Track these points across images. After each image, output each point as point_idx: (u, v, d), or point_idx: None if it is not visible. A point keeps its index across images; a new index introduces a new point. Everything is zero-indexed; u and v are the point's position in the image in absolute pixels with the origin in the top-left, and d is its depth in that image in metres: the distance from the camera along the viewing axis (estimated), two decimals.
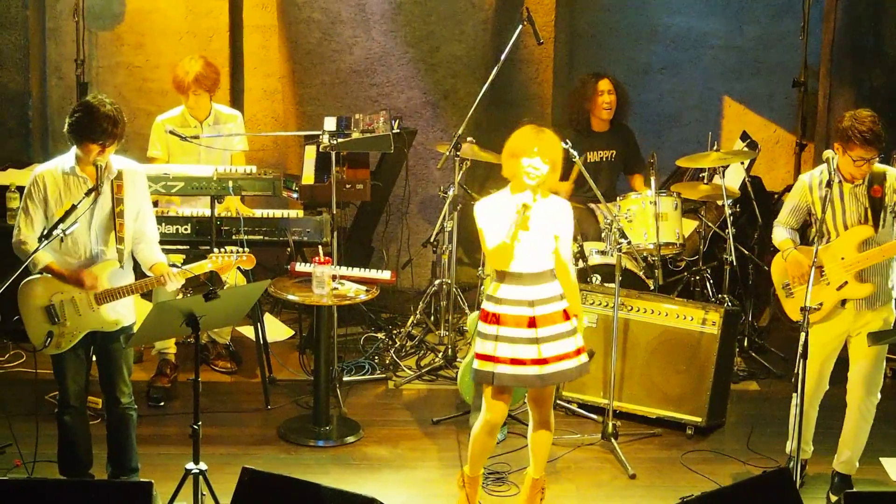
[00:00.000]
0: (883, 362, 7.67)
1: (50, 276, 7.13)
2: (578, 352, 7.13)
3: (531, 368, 7.02)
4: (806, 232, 7.89)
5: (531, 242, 6.99)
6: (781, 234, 7.77)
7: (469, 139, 9.45)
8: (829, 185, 7.32)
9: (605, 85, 10.14)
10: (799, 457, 7.18)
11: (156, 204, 8.68)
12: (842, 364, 7.74)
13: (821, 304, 7.32)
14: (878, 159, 7.38)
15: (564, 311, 7.10)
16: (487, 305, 7.12)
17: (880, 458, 8.24)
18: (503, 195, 7.09)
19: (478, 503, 7.48)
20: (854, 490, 7.54)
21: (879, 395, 7.68)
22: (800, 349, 6.93)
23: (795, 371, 6.99)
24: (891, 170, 7.46)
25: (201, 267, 7.41)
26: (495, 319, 7.05)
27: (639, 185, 10.13)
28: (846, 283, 7.46)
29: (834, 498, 7.69)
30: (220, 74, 9.38)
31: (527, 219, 6.90)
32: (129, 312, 7.35)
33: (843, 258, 7.44)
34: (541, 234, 7.00)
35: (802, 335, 6.97)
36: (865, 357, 7.58)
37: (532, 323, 7.01)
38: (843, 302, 7.52)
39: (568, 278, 7.17)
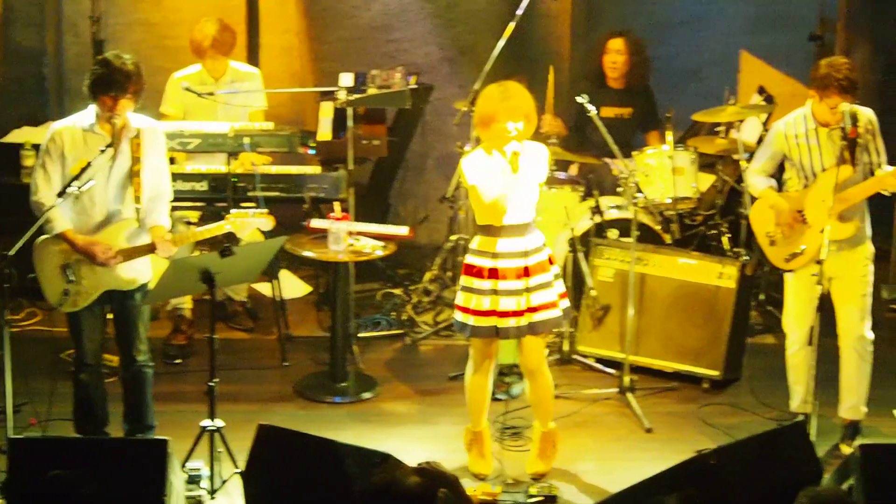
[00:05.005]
0: (870, 298, 7.68)
1: None
2: (562, 296, 7.22)
3: (524, 318, 7.08)
4: (780, 179, 7.92)
5: (521, 192, 7.02)
6: (761, 182, 7.84)
7: None
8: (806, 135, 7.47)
9: (615, 45, 10.02)
10: (815, 410, 7.21)
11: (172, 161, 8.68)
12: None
13: (804, 248, 7.33)
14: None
15: (549, 258, 7.16)
16: (481, 261, 7.12)
17: (893, 411, 8.24)
18: (484, 151, 7.09)
19: (489, 457, 7.49)
20: (871, 442, 7.53)
21: (873, 334, 7.69)
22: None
23: (811, 325, 7.06)
24: (861, 109, 7.47)
25: (219, 228, 7.36)
26: (493, 274, 7.08)
27: (653, 142, 10.05)
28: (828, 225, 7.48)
29: (848, 449, 7.62)
30: (236, 36, 9.37)
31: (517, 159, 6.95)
32: (146, 270, 7.35)
33: (823, 200, 7.42)
34: (528, 182, 7.04)
35: (818, 288, 7.06)
36: (851, 298, 7.63)
37: (526, 272, 7.06)
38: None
39: None
